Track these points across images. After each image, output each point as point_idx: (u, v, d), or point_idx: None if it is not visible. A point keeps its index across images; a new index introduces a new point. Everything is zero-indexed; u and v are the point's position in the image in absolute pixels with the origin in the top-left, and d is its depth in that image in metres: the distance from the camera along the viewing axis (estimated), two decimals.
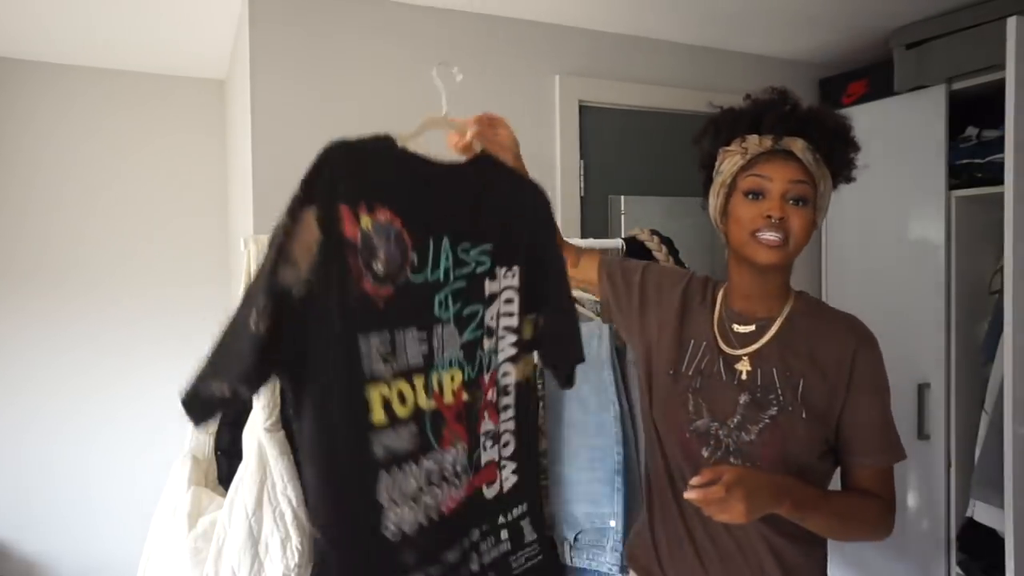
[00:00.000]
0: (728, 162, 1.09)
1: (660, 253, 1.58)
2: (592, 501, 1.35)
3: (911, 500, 2.27)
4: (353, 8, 1.87)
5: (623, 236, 1.67)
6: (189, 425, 1.20)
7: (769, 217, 1.03)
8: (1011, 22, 1.66)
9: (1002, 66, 1.70)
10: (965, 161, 2.16)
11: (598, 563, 1.34)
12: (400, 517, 0.91)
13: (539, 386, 1.21)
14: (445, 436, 0.97)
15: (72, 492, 2.53)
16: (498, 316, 1.05)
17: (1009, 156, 1.67)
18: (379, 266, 0.89)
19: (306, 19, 1.82)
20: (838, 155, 1.08)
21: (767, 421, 1.04)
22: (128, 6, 1.92)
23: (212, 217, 2.71)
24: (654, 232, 1.60)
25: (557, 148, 2.13)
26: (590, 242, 1.61)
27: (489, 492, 1.07)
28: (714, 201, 1.13)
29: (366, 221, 0.88)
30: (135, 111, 2.59)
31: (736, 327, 1.13)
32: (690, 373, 1.12)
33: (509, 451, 1.09)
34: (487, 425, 1.05)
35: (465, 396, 1.00)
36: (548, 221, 1.12)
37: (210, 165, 2.70)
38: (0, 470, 2.47)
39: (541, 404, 1.39)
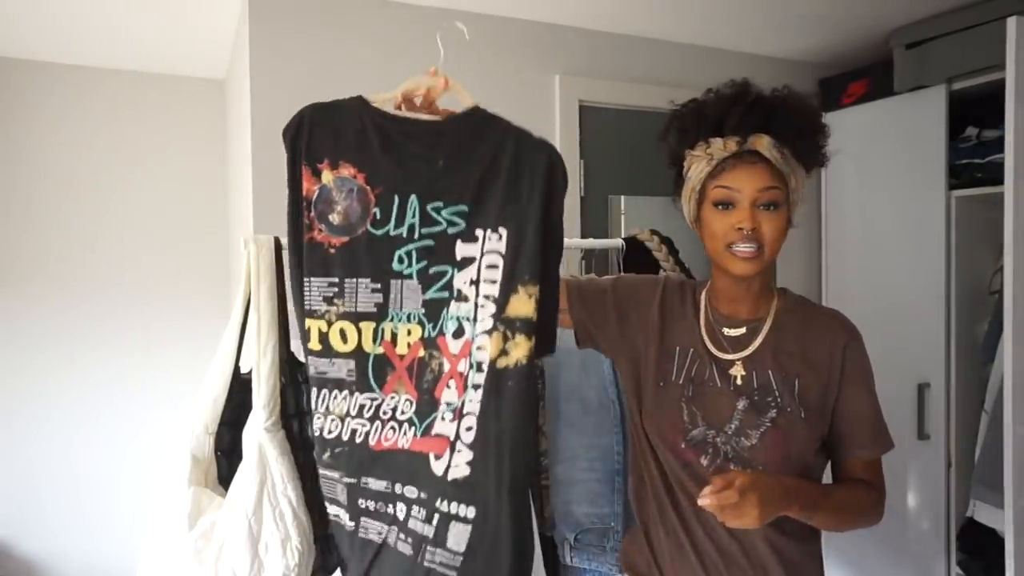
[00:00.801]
0: (695, 168, 1.07)
1: (660, 253, 1.58)
2: (592, 501, 1.35)
3: (911, 500, 2.27)
4: (353, 8, 1.87)
5: (623, 236, 1.67)
6: (188, 425, 1.20)
7: (740, 229, 1.01)
8: (1011, 22, 1.66)
9: (1002, 66, 1.70)
10: (965, 161, 2.16)
11: (598, 563, 1.34)
12: (324, 425, 1.06)
13: (538, 384, 1.07)
14: (389, 382, 1.03)
15: (72, 492, 2.53)
16: (477, 282, 0.99)
17: (1009, 156, 1.67)
18: (335, 217, 1.02)
19: (306, 19, 1.82)
20: (806, 146, 1.06)
21: (768, 425, 1.04)
22: (128, 6, 1.92)
23: (212, 217, 2.71)
24: (654, 232, 1.60)
25: (557, 148, 2.13)
26: (590, 242, 1.61)
27: (436, 466, 1.00)
28: (687, 207, 1.12)
29: (328, 176, 1.02)
30: (135, 111, 2.59)
31: (726, 331, 1.11)
32: (681, 382, 1.10)
33: (469, 438, 0.98)
34: (451, 395, 1.00)
35: (421, 352, 1.01)
36: (555, 184, 1.00)
37: (210, 165, 2.70)
38: (0, 470, 2.47)
39: (541, 405, 1.28)
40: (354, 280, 1.02)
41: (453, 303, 1.01)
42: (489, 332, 0.97)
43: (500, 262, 0.98)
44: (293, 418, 1.15)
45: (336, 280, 1.03)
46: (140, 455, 2.58)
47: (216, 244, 2.71)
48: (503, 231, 0.98)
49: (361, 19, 1.88)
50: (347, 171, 1.02)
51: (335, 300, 1.03)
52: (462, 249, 1.01)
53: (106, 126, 2.56)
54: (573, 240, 1.59)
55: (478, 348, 0.98)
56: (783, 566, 1.05)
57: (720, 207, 1.04)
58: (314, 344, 1.04)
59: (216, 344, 1.20)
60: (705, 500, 0.91)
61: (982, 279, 2.23)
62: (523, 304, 0.96)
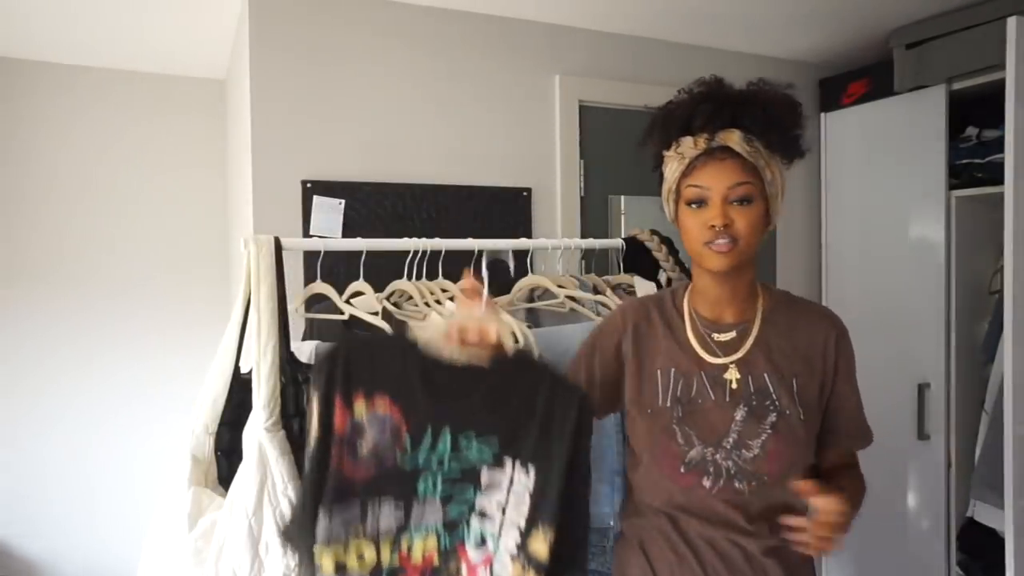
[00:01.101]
0: (670, 168, 1.07)
1: (660, 253, 1.58)
2: (592, 501, 1.34)
3: (911, 500, 2.26)
4: (353, 8, 1.87)
5: (623, 236, 1.67)
6: (188, 425, 1.20)
7: (713, 226, 1.01)
8: (1011, 22, 1.66)
9: (1002, 66, 1.70)
10: (965, 161, 2.16)
11: (598, 563, 1.34)
12: None
13: None
14: None
15: (73, 492, 2.53)
16: (504, 506, 1.02)
17: (1009, 156, 1.67)
18: (364, 448, 1.00)
19: (306, 19, 1.82)
20: (778, 138, 1.04)
21: (768, 431, 1.02)
22: (129, 6, 1.92)
23: (212, 217, 2.71)
24: (654, 232, 1.60)
25: (557, 148, 2.13)
26: (590, 242, 1.61)
27: None
28: (667, 207, 1.12)
29: (360, 409, 1.00)
30: (135, 111, 2.59)
31: (715, 335, 1.09)
32: (668, 404, 1.08)
33: None
34: None
35: (436, 560, 1.02)
36: (582, 430, 1.03)
37: (210, 165, 2.70)
38: (1, 470, 2.47)
39: None
40: (377, 500, 1.02)
41: (475, 519, 1.03)
42: (512, 557, 1.01)
43: (527, 498, 1.01)
44: (293, 418, 1.15)
45: (358, 503, 1.01)
46: (153, 458, 2.58)
47: (216, 244, 2.71)
48: (532, 469, 1.01)
49: (362, 19, 1.88)
50: (382, 404, 1.01)
51: (354, 524, 1.01)
52: (488, 476, 1.02)
53: (106, 126, 2.56)
54: (573, 240, 1.59)
55: (500, 566, 1.01)
56: (783, 568, 1.05)
57: (693, 205, 1.04)
58: (327, 571, 1.01)
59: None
60: (815, 532, 0.95)
61: (982, 279, 2.23)
62: (539, 545, 1.00)
